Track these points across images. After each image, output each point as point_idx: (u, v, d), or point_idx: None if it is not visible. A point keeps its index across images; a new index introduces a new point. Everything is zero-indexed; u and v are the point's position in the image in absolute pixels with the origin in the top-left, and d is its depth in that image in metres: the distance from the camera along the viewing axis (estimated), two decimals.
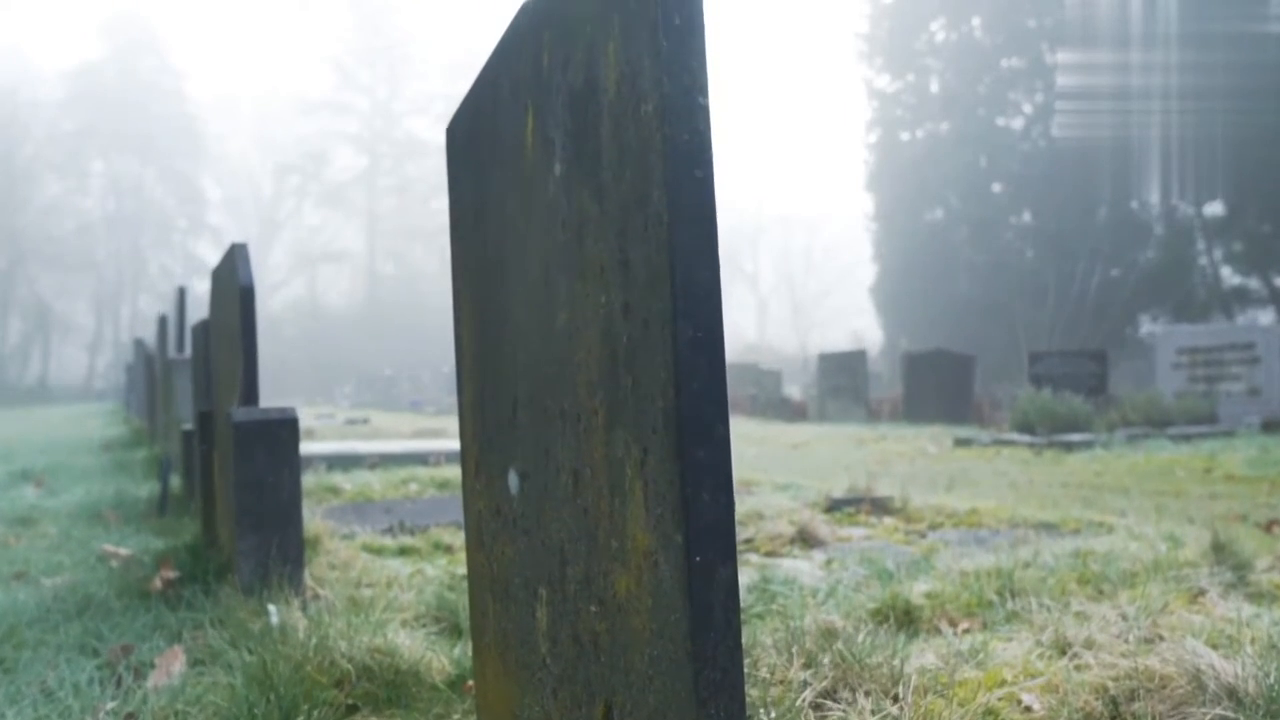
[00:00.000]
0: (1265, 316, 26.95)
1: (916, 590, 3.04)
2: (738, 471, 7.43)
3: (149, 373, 10.55)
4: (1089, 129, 26.21)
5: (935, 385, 13.17)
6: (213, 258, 58.80)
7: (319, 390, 44.14)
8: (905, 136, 31.41)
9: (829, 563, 3.75)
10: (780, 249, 65.21)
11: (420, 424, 15.08)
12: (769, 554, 4.02)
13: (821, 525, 4.48)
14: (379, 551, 4.09)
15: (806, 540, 4.17)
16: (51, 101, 53.53)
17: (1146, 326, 28.40)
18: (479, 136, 1.74)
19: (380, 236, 57.76)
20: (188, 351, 6.32)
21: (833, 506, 4.97)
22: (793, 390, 26.74)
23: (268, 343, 47.79)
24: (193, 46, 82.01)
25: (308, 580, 2.96)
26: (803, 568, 3.71)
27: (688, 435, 1.12)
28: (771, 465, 8.22)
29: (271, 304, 58.63)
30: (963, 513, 4.80)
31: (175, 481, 5.85)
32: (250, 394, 2.86)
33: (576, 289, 1.34)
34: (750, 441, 10.75)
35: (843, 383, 14.66)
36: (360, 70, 56.86)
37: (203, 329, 4.59)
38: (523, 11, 1.52)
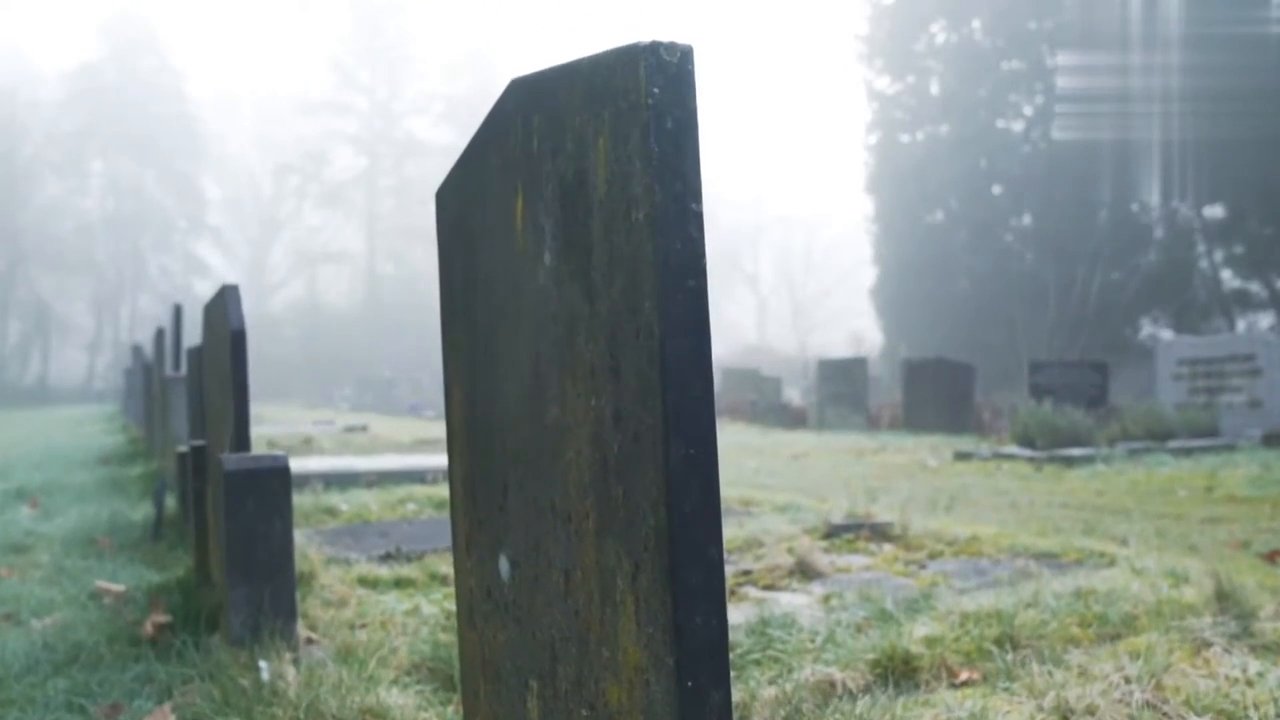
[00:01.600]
0: (1266, 319, 26.94)
1: (916, 634, 3.01)
2: (738, 487, 7.39)
3: (146, 383, 10.52)
4: (1090, 131, 26.19)
5: (935, 394, 13.14)
6: (213, 258, 58.73)
7: (318, 391, 44.09)
8: (905, 138, 31.38)
9: (828, 598, 3.71)
10: (780, 249, 65.16)
11: (419, 431, 15.06)
12: (767, 587, 3.99)
13: (820, 555, 4.45)
14: (375, 584, 4.06)
15: (805, 572, 4.14)
16: (51, 102, 53.47)
17: (1147, 329, 28.38)
18: (469, 208, 1.70)
19: (380, 237, 57.73)
20: (183, 369, 6.28)
21: (832, 532, 4.94)
22: (792, 394, 26.70)
23: (267, 343, 47.67)
24: (192, 46, 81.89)
25: (300, 628, 2.93)
26: (801, 603, 3.68)
27: (680, 556, 1.09)
28: (772, 479, 8.18)
29: (271, 304, 58.61)
30: (963, 540, 4.76)
31: (170, 502, 5.82)
32: (241, 439, 2.83)
33: (567, 386, 1.31)
34: (750, 452, 10.72)
35: (843, 390, 14.62)
36: (360, 70, 56.78)
37: (196, 357, 4.55)
38: (513, 87, 1.48)
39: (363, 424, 15.36)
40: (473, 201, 1.67)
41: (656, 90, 1.10)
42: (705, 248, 1.12)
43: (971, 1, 29.63)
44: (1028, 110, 29.38)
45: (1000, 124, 29.83)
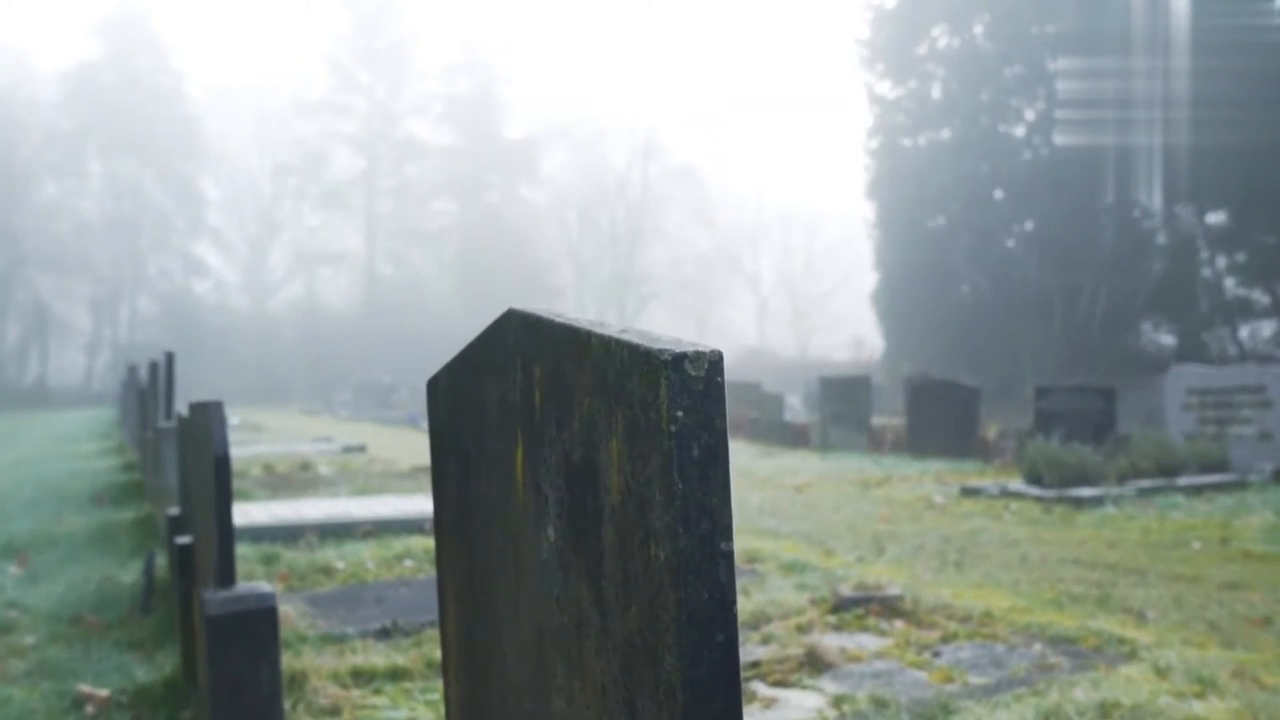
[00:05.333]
0: (1268, 327, 26.81)
1: None
2: (743, 534, 7.25)
3: (141, 410, 10.38)
4: (1091, 136, 26.05)
5: (939, 417, 12.99)
6: (212, 258, 58.45)
7: (317, 394, 43.90)
8: (906, 143, 31.21)
9: (840, 701, 3.57)
10: (780, 249, 64.96)
11: (418, 450, 14.93)
12: (777, 683, 3.85)
13: (831, 638, 4.31)
14: (370, 677, 3.91)
15: (815, 664, 4.00)
16: (49, 102, 53.23)
17: (1149, 335, 28.25)
18: (464, 419, 1.55)
19: (379, 238, 57.51)
20: (174, 420, 6.13)
21: (841, 605, 4.79)
22: (794, 402, 26.57)
23: (266, 344, 47.38)
24: (191, 46, 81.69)
25: None
26: (812, 707, 3.54)
27: None
28: (776, 519, 8.04)
29: (271, 305, 58.43)
30: (976, 617, 4.62)
31: (160, 560, 5.67)
32: (226, 570, 2.68)
33: (574, 687, 1.16)
34: (754, 482, 10.58)
35: (845, 409, 14.47)
36: (359, 70, 56.51)
37: (184, 431, 4.39)
38: (510, 319, 1.33)
39: (361, 443, 15.24)
40: (468, 416, 1.53)
41: (680, 414, 0.95)
42: (735, 592, 0.98)
43: (973, 6, 29.46)
44: (1029, 115, 29.22)
45: (1002, 129, 29.67)
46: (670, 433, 0.95)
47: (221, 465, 2.68)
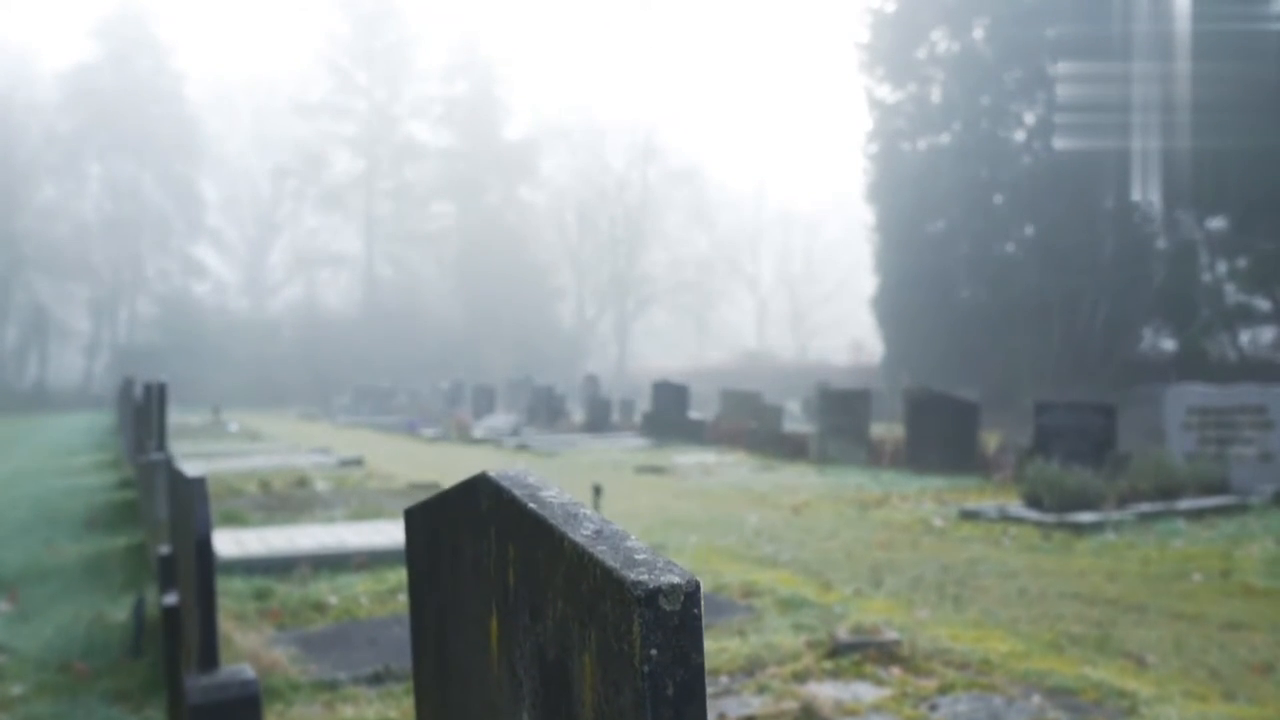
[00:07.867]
0: (1268, 333, 26.77)
1: None
2: (740, 561, 7.21)
3: (136, 423, 10.35)
4: (1091, 140, 25.99)
5: (939, 431, 12.94)
6: (211, 260, 58.40)
7: (316, 397, 43.85)
8: (906, 147, 31.14)
9: None
10: (780, 250, 64.86)
11: (416, 464, 14.90)
12: None
13: (827, 690, 4.26)
14: None
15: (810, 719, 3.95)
16: (48, 104, 53.14)
17: (1149, 339, 28.20)
18: (441, 564, 1.50)
19: (379, 240, 57.43)
20: (164, 454, 6.09)
21: (838, 650, 4.75)
22: (793, 407, 26.50)
23: (265, 346, 47.29)
24: (190, 48, 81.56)
25: None
26: None
27: None
28: (773, 544, 7.99)
29: (270, 307, 58.37)
30: (974, 664, 4.57)
31: (150, 595, 5.63)
32: (208, 656, 2.64)
33: None
34: (752, 500, 10.53)
35: (844, 422, 14.42)
36: (358, 72, 56.41)
37: (174, 478, 4.34)
38: (483, 486, 1.28)
39: (358, 456, 15.18)
40: (445, 564, 1.47)
41: (654, 652, 0.90)
42: None
43: (973, 10, 29.40)
44: (1029, 120, 29.17)
45: (1002, 133, 29.61)
46: (643, 672, 0.90)
47: (203, 548, 2.63)
